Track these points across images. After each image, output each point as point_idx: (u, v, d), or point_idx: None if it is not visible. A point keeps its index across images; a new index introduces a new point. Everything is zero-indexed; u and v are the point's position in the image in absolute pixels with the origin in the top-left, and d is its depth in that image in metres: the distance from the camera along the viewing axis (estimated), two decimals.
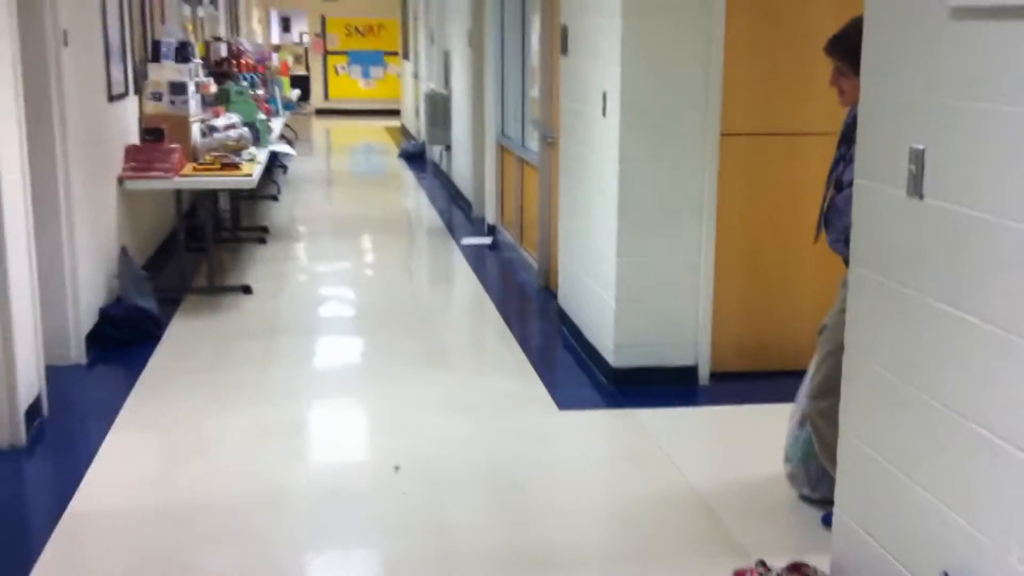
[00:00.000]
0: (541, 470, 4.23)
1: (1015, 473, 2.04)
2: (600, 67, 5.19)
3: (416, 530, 3.66)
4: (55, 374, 4.88)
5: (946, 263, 2.26)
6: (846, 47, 3.40)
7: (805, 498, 3.82)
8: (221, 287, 6.97)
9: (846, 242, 3.33)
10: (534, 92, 7.47)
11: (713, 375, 5.17)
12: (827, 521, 3.49)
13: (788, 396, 4.01)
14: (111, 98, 6.31)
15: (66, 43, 5.20)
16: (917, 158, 2.31)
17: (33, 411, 4.50)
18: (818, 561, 3.03)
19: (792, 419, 3.91)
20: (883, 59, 2.50)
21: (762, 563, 3.02)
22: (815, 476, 3.80)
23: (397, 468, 4.13)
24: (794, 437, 3.87)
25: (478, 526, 3.70)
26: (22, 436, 4.32)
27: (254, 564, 3.40)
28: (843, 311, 3.22)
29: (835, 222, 3.52)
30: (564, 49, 5.96)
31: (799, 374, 3.90)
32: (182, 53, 7.41)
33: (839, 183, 3.52)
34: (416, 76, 15.80)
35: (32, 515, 3.93)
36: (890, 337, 2.49)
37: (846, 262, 3.35)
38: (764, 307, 5.25)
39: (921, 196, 2.32)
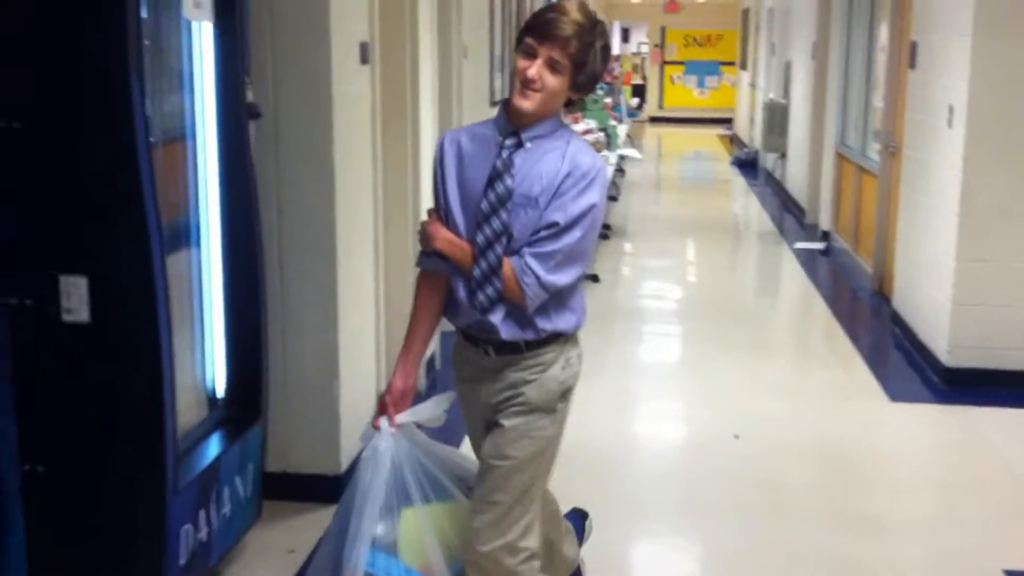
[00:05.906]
0: (869, 449, 4.60)
1: None
2: (947, 81, 5.43)
3: (751, 484, 4.16)
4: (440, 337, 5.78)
5: None
6: (591, 52, 2.44)
7: None
8: None
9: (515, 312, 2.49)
10: (878, 102, 7.68)
11: None
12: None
13: None
14: (492, 103, 7.23)
15: (466, 56, 6.11)
16: None
17: (429, 364, 5.42)
18: None
19: None
20: None
21: None
22: None
23: (737, 436, 4.65)
24: None
25: (807, 486, 4.13)
26: (423, 382, 5.23)
27: (608, 494, 4.00)
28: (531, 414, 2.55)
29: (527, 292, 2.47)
30: (912, 63, 6.21)
31: None
32: None
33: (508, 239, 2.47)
34: (753, 85, 16.09)
35: None
36: None
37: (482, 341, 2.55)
38: None
39: None
